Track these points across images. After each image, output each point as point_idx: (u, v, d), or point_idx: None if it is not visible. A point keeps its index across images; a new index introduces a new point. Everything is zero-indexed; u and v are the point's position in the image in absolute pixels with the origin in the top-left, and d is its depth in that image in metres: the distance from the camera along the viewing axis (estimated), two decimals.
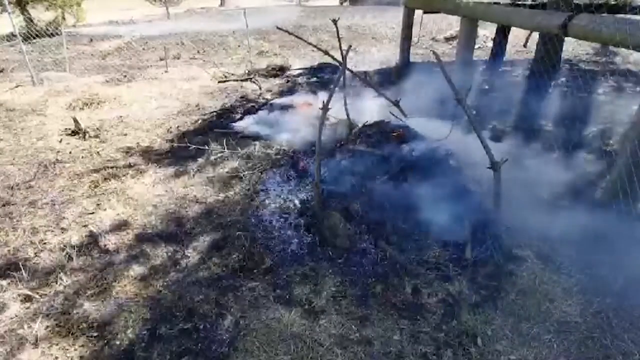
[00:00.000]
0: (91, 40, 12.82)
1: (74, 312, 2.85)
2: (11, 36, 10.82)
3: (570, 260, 3.25)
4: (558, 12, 4.42)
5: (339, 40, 4.71)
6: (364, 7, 22.38)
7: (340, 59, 4.08)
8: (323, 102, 3.37)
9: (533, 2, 7.38)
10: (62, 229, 3.76)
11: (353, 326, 2.71)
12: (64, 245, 3.49)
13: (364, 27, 15.06)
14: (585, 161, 4.56)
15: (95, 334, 2.68)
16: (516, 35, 11.71)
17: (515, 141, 4.88)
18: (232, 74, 8.93)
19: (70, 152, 5.33)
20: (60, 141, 5.68)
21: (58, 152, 5.36)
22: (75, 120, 5.87)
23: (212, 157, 5.03)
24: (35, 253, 3.44)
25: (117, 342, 2.62)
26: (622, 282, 3.00)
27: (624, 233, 3.30)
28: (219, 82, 8.45)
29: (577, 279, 3.07)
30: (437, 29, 14.39)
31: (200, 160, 5.02)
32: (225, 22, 15.99)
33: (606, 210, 3.54)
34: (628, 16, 6.08)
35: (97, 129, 5.99)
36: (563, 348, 2.55)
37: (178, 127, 6.17)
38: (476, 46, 9.58)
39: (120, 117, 6.55)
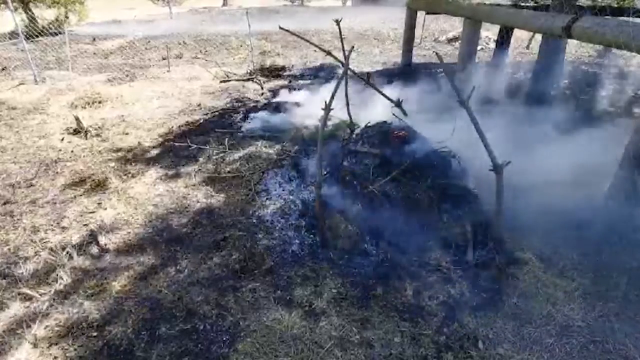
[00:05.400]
0: (94, 39, 12.84)
1: (74, 311, 2.84)
2: (13, 34, 10.83)
3: (573, 263, 3.24)
4: (561, 15, 4.40)
5: (342, 41, 4.70)
6: (366, 8, 22.38)
7: (342, 59, 4.06)
8: (325, 102, 3.35)
9: (536, 4, 7.36)
10: (62, 228, 3.76)
11: (354, 328, 2.70)
12: (65, 244, 3.49)
13: (366, 28, 15.06)
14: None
15: (94, 334, 2.67)
16: (518, 37, 11.71)
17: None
18: (234, 74, 8.93)
19: (71, 151, 5.33)
20: (62, 140, 5.68)
21: (59, 150, 5.35)
22: (77, 119, 5.87)
23: (214, 157, 5.02)
24: (35, 252, 3.44)
25: (117, 342, 2.61)
26: (625, 286, 2.99)
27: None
28: (220, 81, 8.45)
29: (579, 282, 3.06)
30: (440, 30, 14.39)
31: (201, 159, 5.01)
32: (227, 22, 16.00)
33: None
34: (631, 19, 6.06)
35: (99, 128, 5.99)
36: (565, 352, 2.53)
37: (179, 126, 6.17)
38: (478, 47, 9.58)
39: (122, 116, 6.55)
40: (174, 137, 5.76)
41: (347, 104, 4.84)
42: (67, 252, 3.36)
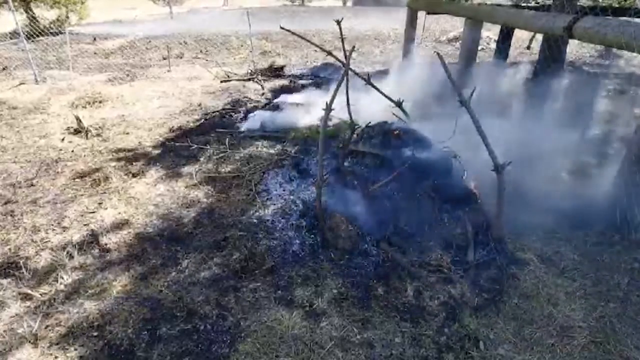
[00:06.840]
0: (94, 39, 12.85)
1: (74, 311, 2.84)
2: (14, 34, 10.84)
3: (574, 264, 3.24)
4: (563, 15, 4.39)
5: (342, 41, 4.69)
6: (367, 8, 22.38)
7: (343, 59, 4.06)
8: (326, 102, 3.35)
9: (536, 4, 7.36)
10: (63, 227, 3.75)
11: (354, 328, 2.70)
12: (65, 244, 3.49)
13: (367, 28, 15.06)
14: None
15: (95, 334, 2.67)
16: (519, 37, 11.69)
17: None
18: (235, 74, 8.93)
19: (72, 151, 5.33)
20: (63, 140, 5.68)
21: (60, 150, 5.36)
22: (78, 119, 5.87)
23: (214, 157, 5.02)
24: (36, 251, 3.43)
25: (117, 342, 2.61)
26: (626, 287, 2.99)
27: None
28: (221, 81, 8.45)
29: (581, 283, 3.05)
30: (441, 30, 14.39)
31: (202, 159, 5.01)
32: (228, 22, 16.00)
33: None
34: (632, 19, 6.05)
35: (99, 127, 5.99)
36: (566, 352, 2.53)
37: (180, 126, 6.17)
38: (479, 48, 9.56)
39: (123, 116, 6.55)
40: (175, 136, 5.75)
41: (348, 104, 4.83)
42: (68, 252, 3.36)
